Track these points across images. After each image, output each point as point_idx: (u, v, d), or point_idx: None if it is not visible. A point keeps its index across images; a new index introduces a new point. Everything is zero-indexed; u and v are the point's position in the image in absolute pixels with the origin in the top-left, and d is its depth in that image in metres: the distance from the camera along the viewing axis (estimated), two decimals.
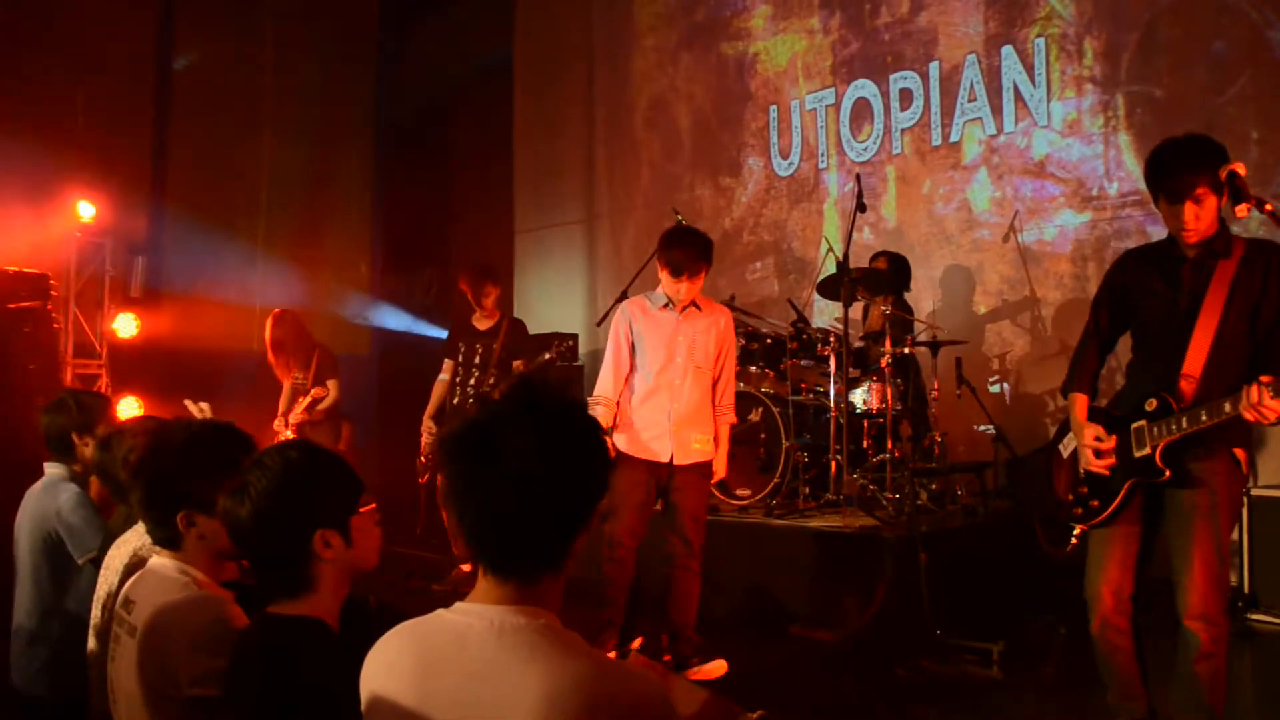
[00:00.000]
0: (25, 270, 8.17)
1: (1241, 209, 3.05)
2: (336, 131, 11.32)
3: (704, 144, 9.48)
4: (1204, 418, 3.12)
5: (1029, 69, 7.18)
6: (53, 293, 8.27)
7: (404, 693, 1.59)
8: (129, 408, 8.02)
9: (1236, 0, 6.30)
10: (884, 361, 6.13)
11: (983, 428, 6.64)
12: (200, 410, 6.15)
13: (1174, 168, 3.24)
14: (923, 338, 6.54)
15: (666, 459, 4.76)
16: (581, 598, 6.35)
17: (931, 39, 7.77)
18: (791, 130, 8.73)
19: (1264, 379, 2.97)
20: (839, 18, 8.40)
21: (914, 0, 7.87)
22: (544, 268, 10.82)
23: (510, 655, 1.53)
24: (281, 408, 7.26)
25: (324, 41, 11.08)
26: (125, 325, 8.81)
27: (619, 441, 4.80)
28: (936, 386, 6.45)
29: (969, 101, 7.52)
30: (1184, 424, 3.18)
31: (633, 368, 4.87)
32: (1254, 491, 5.39)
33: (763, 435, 6.30)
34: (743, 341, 6.57)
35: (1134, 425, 3.34)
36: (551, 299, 10.57)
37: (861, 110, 8.22)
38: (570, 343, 7.14)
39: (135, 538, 2.84)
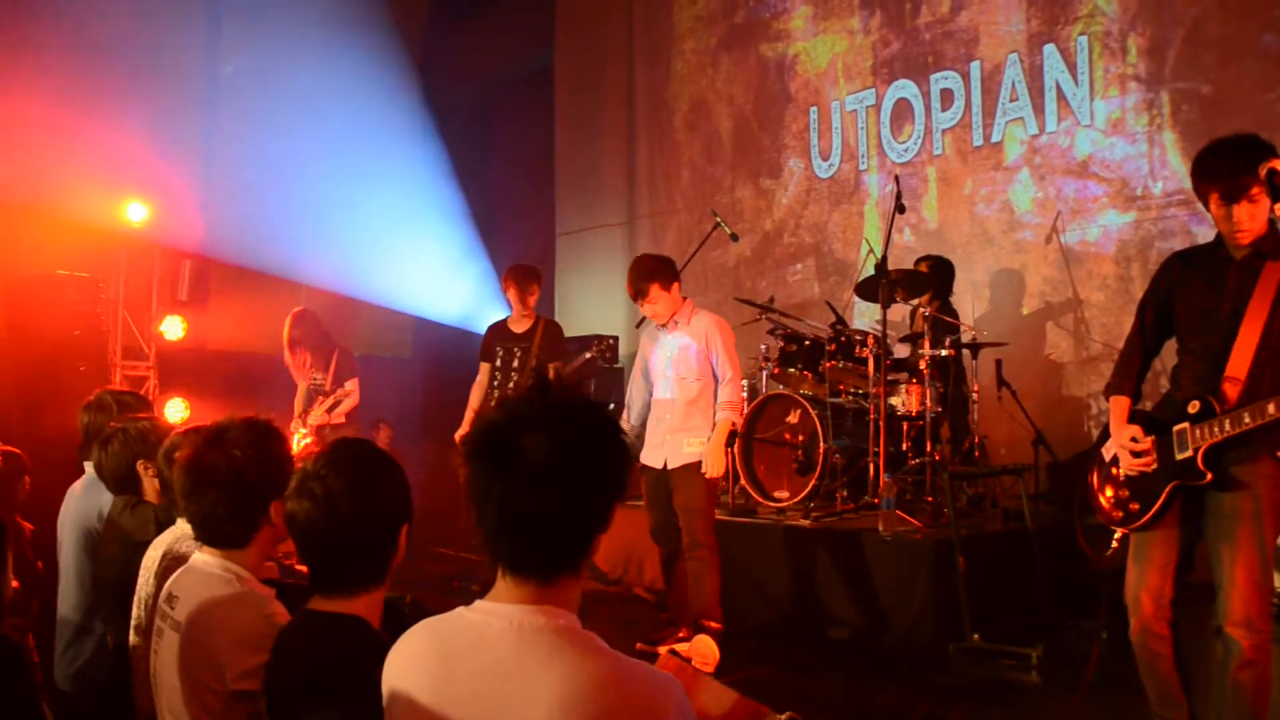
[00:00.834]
0: (76, 274, 8.34)
1: None
2: (379, 134, 11.41)
3: (744, 146, 9.46)
4: (1247, 420, 3.08)
5: (1071, 67, 7.10)
6: (102, 296, 8.44)
7: (423, 690, 1.61)
8: (176, 409, 8.15)
9: None
10: (923, 363, 6.08)
11: (1025, 430, 6.57)
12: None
13: (1227, 168, 3.19)
14: (963, 340, 6.48)
15: (661, 466, 5.27)
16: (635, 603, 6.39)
17: (973, 38, 7.70)
18: (832, 131, 8.70)
19: None
20: (879, 18, 8.35)
21: (955, 0, 7.82)
22: (585, 270, 10.86)
23: (529, 655, 1.55)
24: (298, 409, 7.19)
25: (366, 47, 11.18)
26: (173, 328, 8.95)
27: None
28: (977, 389, 6.40)
29: (1011, 101, 7.45)
30: (1227, 426, 3.14)
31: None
32: None
33: (801, 437, 6.29)
34: (781, 343, 6.56)
35: (1176, 428, 3.29)
36: (592, 301, 10.61)
37: (902, 111, 8.17)
38: (610, 343, 7.15)
39: (169, 537, 2.89)
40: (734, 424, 5.33)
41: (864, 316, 8.04)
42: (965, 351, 6.43)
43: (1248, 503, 3.20)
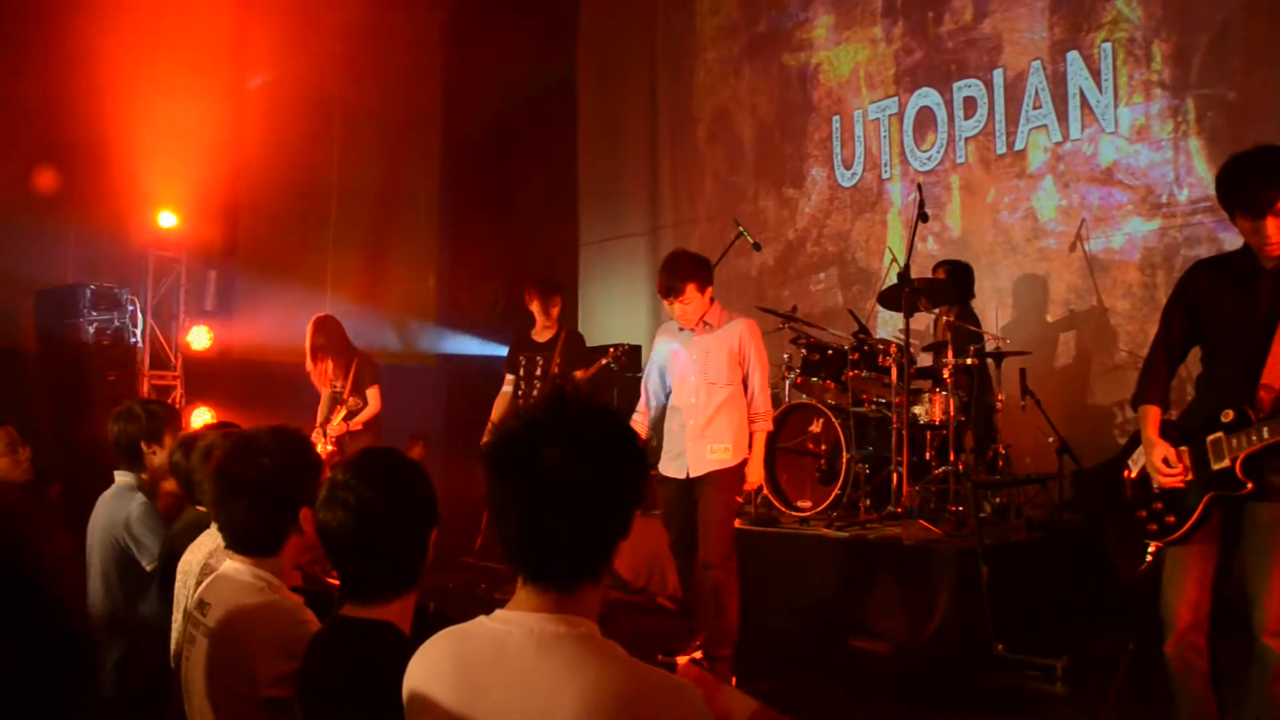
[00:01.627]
0: (104, 284, 8.44)
1: None
2: (404, 146, 11.51)
3: (767, 155, 9.47)
4: None
5: (1095, 74, 7.07)
6: (130, 306, 8.52)
7: (443, 698, 1.62)
8: (202, 419, 8.21)
9: None
10: (946, 372, 6.06)
11: (1051, 439, 6.53)
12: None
13: (1252, 183, 3.14)
14: (987, 348, 6.45)
15: (684, 476, 5.00)
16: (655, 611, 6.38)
17: (995, 46, 7.68)
18: (855, 140, 8.69)
19: None
20: (901, 26, 8.35)
21: (977, 7, 7.80)
22: (608, 279, 10.88)
23: (549, 664, 1.55)
24: (320, 418, 7.17)
25: (391, 59, 11.27)
26: (199, 337, 9.03)
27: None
28: (1001, 398, 6.37)
29: (1034, 109, 7.42)
30: (1265, 434, 3.08)
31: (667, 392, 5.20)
32: None
33: (824, 447, 6.28)
34: (804, 353, 6.55)
35: (1210, 438, 3.24)
36: (615, 310, 10.63)
37: (925, 119, 8.16)
38: (625, 348, 7.16)
39: (210, 541, 2.91)
40: (767, 430, 5.16)
41: (887, 325, 8.02)
42: (989, 360, 6.40)
43: None
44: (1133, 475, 3.53)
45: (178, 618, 2.92)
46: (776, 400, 6.98)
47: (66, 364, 8.24)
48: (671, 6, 10.43)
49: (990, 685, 4.69)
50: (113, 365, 8.30)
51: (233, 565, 2.50)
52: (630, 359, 8.05)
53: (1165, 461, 3.32)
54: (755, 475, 5.03)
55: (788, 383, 6.79)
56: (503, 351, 7.20)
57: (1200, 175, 6.55)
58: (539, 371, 6.74)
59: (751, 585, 6.03)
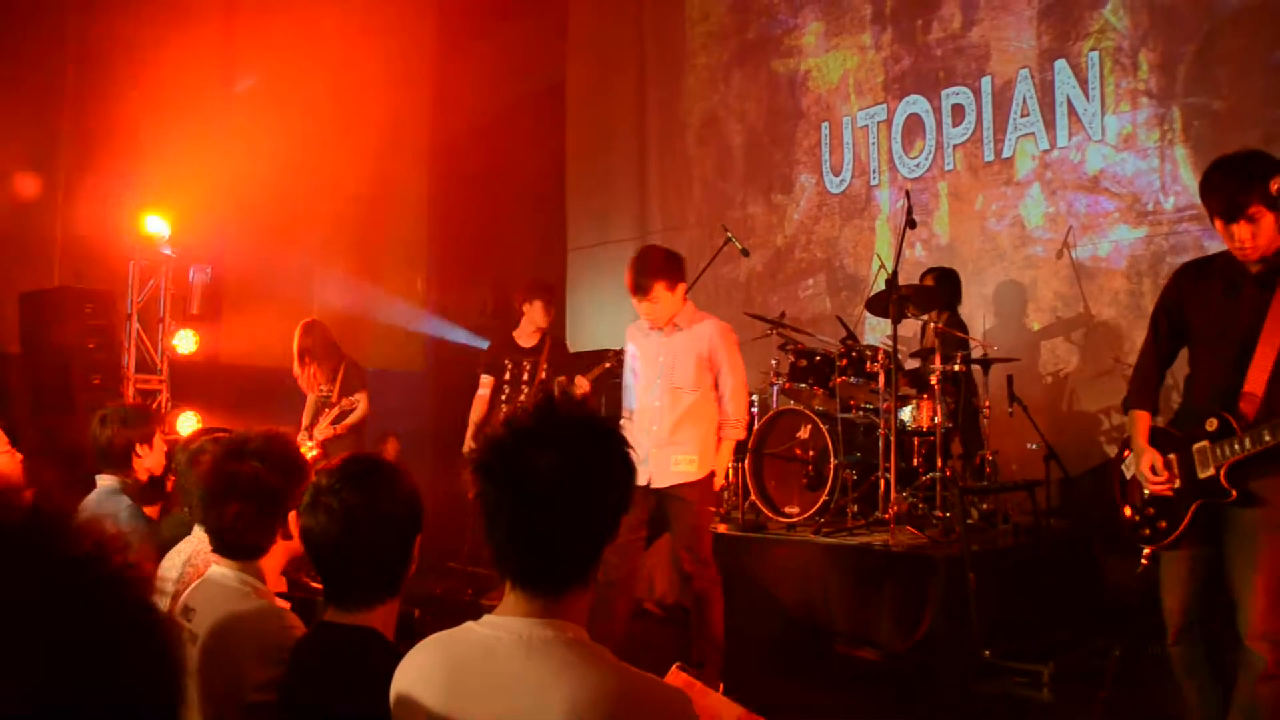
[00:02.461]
0: (90, 288, 8.39)
1: None
2: (392, 150, 11.48)
3: (756, 161, 9.48)
4: (1267, 438, 3.08)
5: (1083, 83, 7.10)
6: (115, 309, 8.48)
7: (432, 704, 1.61)
8: (188, 423, 8.17)
9: None
10: (934, 379, 6.07)
11: (1034, 445, 6.55)
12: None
13: (1225, 187, 3.20)
14: (974, 354, 6.47)
15: (644, 483, 4.61)
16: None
17: (984, 54, 7.71)
18: (843, 147, 8.71)
19: None
20: (890, 34, 8.37)
21: (966, 15, 7.83)
22: (596, 285, 10.87)
23: (538, 668, 1.55)
24: (305, 421, 7.14)
25: (380, 62, 11.25)
26: (185, 341, 8.99)
27: None
28: (988, 404, 6.38)
29: (1022, 116, 7.45)
30: (1247, 444, 3.13)
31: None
32: None
33: (811, 453, 6.28)
34: (792, 358, 6.55)
35: (1196, 446, 3.29)
36: (604, 316, 10.61)
37: (913, 126, 8.18)
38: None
39: (188, 546, 2.90)
40: (739, 439, 4.95)
41: (875, 332, 8.04)
42: (976, 366, 6.42)
43: (1267, 515, 3.18)
44: (1127, 479, 3.58)
45: None
46: (764, 406, 7.00)
47: (50, 368, 8.19)
48: (661, 12, 10.44)
49: (977, 691, 4.69)
50: (97, 369, 8.26)
51: (219, 570, 2.48)
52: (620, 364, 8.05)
53: (1153, 469, 3.37)
54: (720, 474, 4.87)
55: (775, 388, 6.79)
56: None
57: (1186, 183, 6.58)
58: (525, 376, 6.72)
59: (739, 591, 6.03)
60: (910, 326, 7.20)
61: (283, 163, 10.30)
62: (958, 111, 7.86)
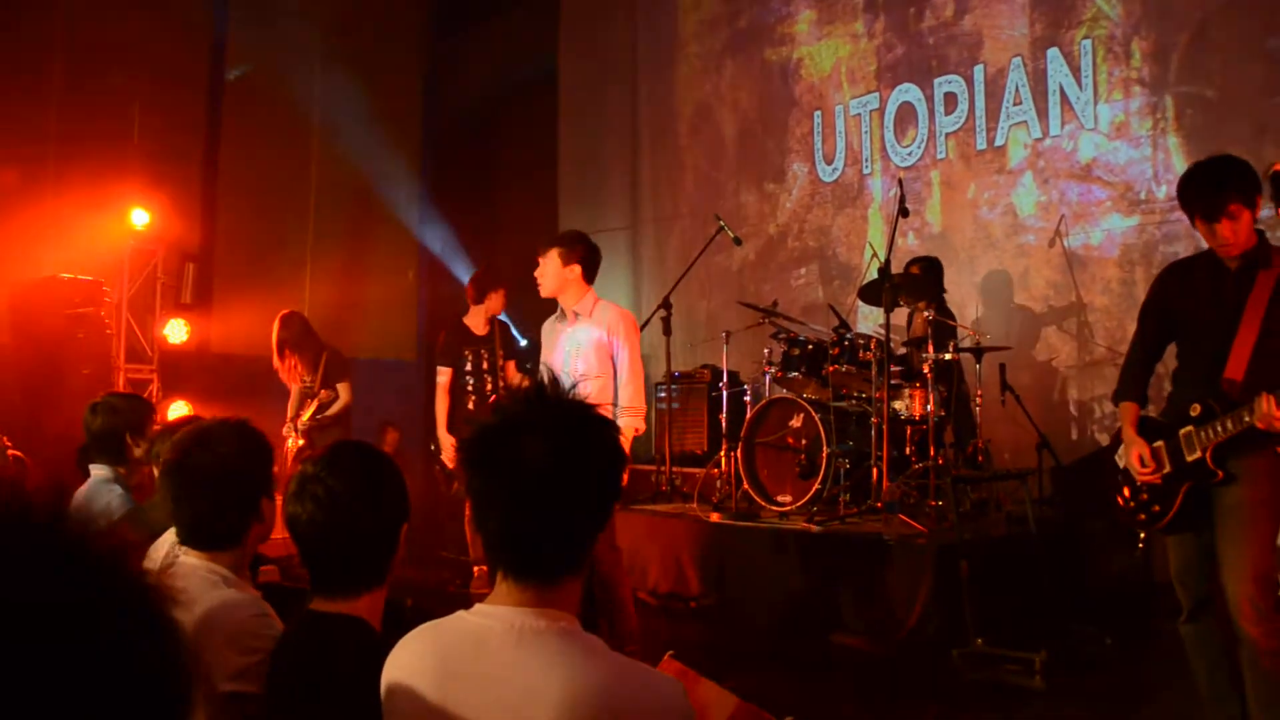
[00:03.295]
0: (80, 277, 8.36)
1: None
2: (384, 141, 11.44)
3: (748, 150, 9.47)
4: (1246, 418, 3.25)
5: (1075, 71, 7.10)
6: (106, 299, 8.45)
7: (423, 694, 1.61)
8: (179, 412, 8.15)
9: None
10: (926, 367, 6.07)
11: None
12: None
13: (1206, 189, 3.38)
14: (967, 343, 6.47)
15: None
16: None
17: (976, 42, 7.70)
18: (836, 135, 8.69)
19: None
20: (883, 22, 8.35)
21: (959, 3, 7.81)
22: None
23: (530, 658, 1.54)
24: (290, 412, 7.14)
25: (372, 53, 11.22)
26: (176, 331, 8.97)
27: None
28: (980, 393, 6.39)
29: (1014, 105, 7.44)
30: (1229, 425, 3.31)
31: None
32: None
33: (804, 441, 6.28)
34: (784, 347, 6.55)
35: (1182, 431, 3.46)
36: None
37: (906, 115, 8.17)
38: None
39: (172, 535, 2.88)
40: (638, 431, 4.83)
41: (868, 320, 8.04)
42: (968, 355, 6.42)
43: (1251, 496, 3.35)
44: (1122, 466, 3.71)
45: None
46: (757, 395, 7.00)
47: (40, 357, 8.16)
48: (653, 1, 10.41)
49: (969, 679, 4.70)
50: (88, 359, 8.23)
51: (188, 560, 2.44)
52: None
53: (1141, 460, 3.53)
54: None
55: (768, 377, 6.79)
56: None
57: (1178, 172, 6.50)
58: (486, 365, 6.72)
59: (731, 580, 6.05)
60: (902, 315, 7.20)
61: (274, 152, 10.29)
62: (950, 100, 7.85)
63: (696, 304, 9.66)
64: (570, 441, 1.60)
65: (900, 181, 6.56)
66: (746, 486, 6.47)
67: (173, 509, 2.46)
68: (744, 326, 7.35)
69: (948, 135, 7.87)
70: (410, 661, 1.66)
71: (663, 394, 8.12)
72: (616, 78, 10.74)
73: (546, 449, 1.57)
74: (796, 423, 6.34)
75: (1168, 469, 3.49)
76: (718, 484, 6.88)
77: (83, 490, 3.85)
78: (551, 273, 4.84)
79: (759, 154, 9.36)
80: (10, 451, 4.22)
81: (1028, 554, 5.41)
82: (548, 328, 5.09)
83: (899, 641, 5.15)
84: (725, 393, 7.21)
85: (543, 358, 5.06)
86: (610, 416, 1.70)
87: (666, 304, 7.04)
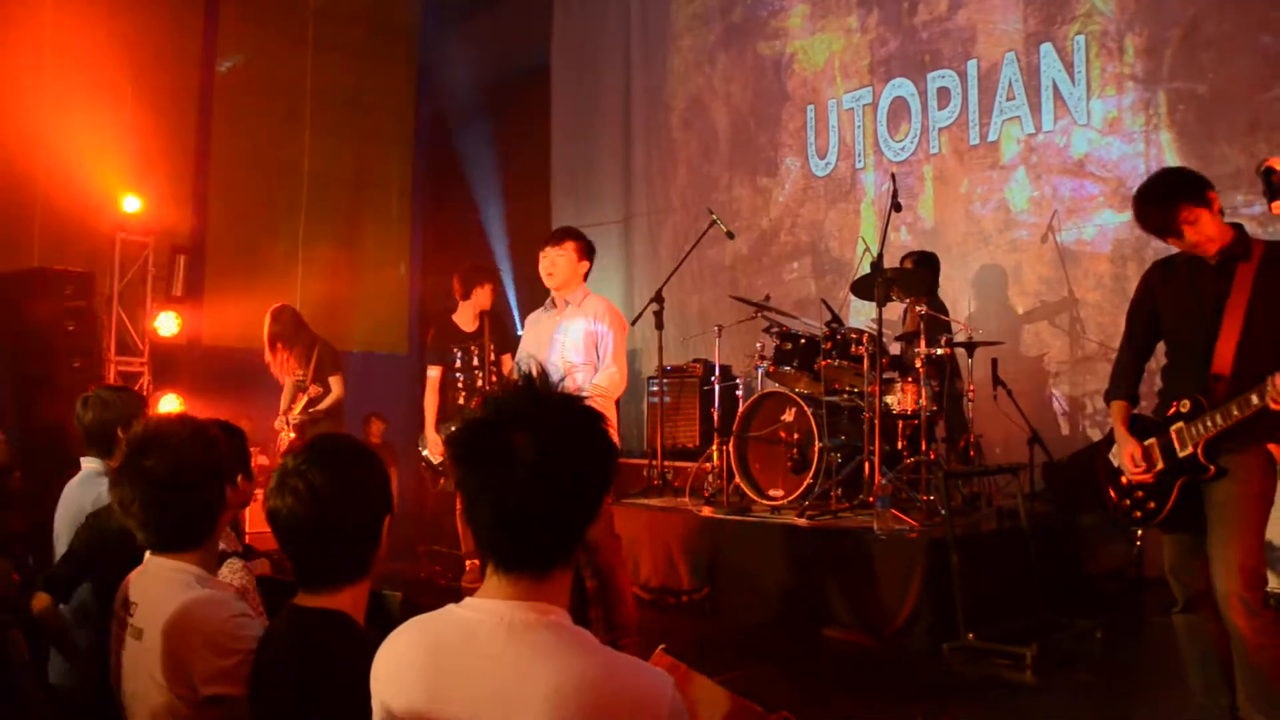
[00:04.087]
0: (70, 269, 8.33)
1: (1278, 205, 3.16)
2: (376, 132, 11.43)
3: (741, 144, 9.46)
4: (1235, 412, 3.28)
5: (1068, 67, 7.10)
6: (96, 291, 8.42)
7: (413, 687, 1.60)
8: (169, 405, 8.14)
9: None
10: (918, 362, 6.08)
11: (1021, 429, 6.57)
12: None
13: (1154, 212, 3.47)
14: (959, 338, 6.48)
15: None
16: None
17: (970, 37, 7.70)
18: (829, 130, 8.69)
19: None
20: (876, 16, 8.35)
21: None
22: None
23: (520, 651, 1.54)
24: (282, 406, 7.13)
25: (364, 43, 11.20)
26: (167, 323, 8.94)
27: None
28: (972, 388, 6.39)
29: (1007, 100, 7.45)
30: (1218, 420, 3.34)
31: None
32: None
33: (796, 436, 6.28)
34: (777, 342, 6.55)
35: (1173, 428, 3.49)
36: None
37: (899, 110, 8.17)
38: None
39: None
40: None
41: (860, 315, 8.04)
42: (960, 350, 6.43)
43: (1237, 489, 3.38)
44: (1115, 464, 3.74)
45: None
46: (749, 389, 7.00)
47: (30, 350, 8.13)
48: None
49: (961, 673, 4.71)
50: (78, 351, 8.21)
51: (155, 560, 2.41)
52: None
53: (1133, 459, 3.57)
54: None
55: (760, 371, 6.79)
56: None
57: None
58: (476, 361, 6.73)
59: (723, 574, 6.05)
60: (895, 310, 7.21)
61: (266, 144, 10.26)
62: (943, 95, 7.85)
63: (689, 298, 9.66)
64: (559, 434, 1.59)
65: (893, 176, 6.56)
66: (738, 481, 6.47)
67: (127, 514, 2.38)
68: (736, 321, 7.35)
69: (941, 130, 7.87)
70: (400, 655, 1.65)
71: (655, 388, 8.12)
72: (609, 71, 10.72)
73: (535, 441, 1.56)
74: (788, 417, 6.34)
75: (1160, 466, 3.52)
76: (710, 478, 6.88)
77: (74, 482, 3.83)
78: (565, 265, 4.93)
79: (752, 148, 9.35)
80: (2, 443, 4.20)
81: (1019, 549, 5.41)
82: (534, 318, 5.12)
83: (890, 636, 5.17)
84: (717, 387, 7.20)
85: (525, 348, 5.07)
86: (599, 408, 1.69)
87: (659, 298, 7.03)
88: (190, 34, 9.87)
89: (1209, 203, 3.39)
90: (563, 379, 1.68)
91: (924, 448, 5.94)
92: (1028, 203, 7.36)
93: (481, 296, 6.87)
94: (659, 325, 7.10)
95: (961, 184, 7.75)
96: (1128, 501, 3.67)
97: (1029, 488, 6.09)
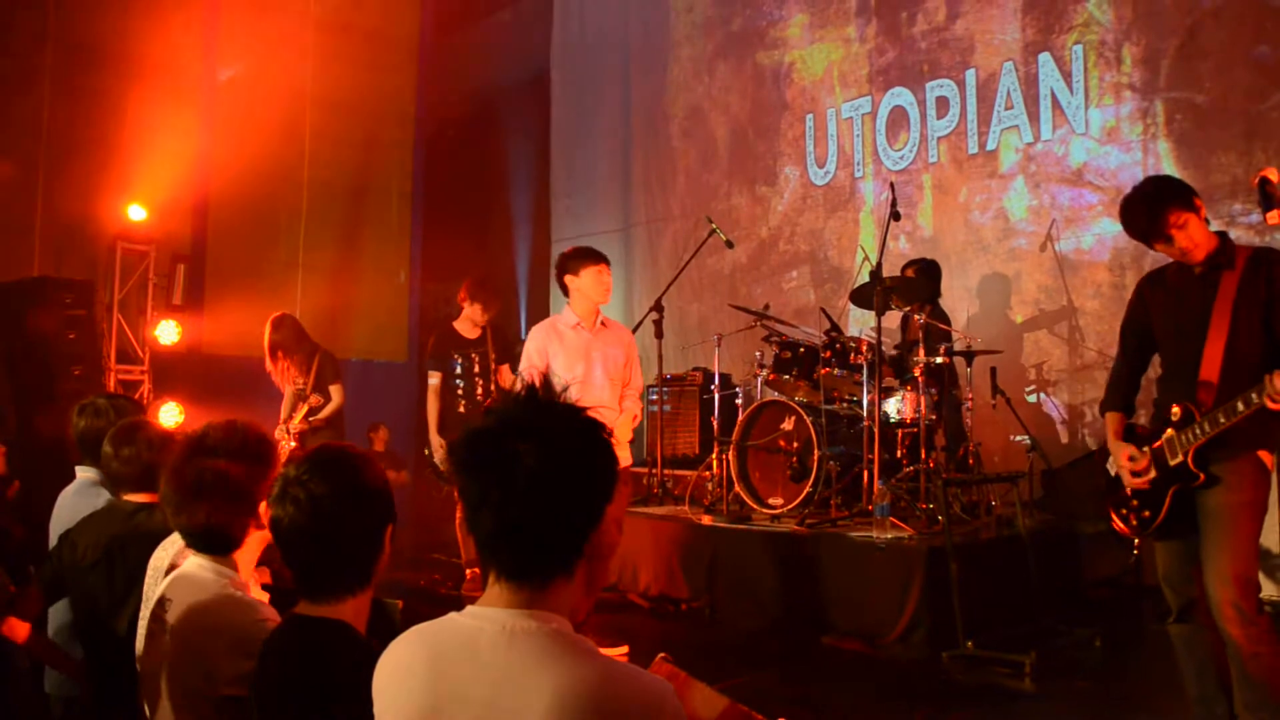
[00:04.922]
0: (70, 278, 8.32)
1: (1273, 215, 3.17)
2: (376, 141, 11.44)
3: (740, 153, 9.48)
4: (1222, 420, 3.29)
5: (1066, 76, 7.12)
6: (96, 300, 8.42)
7: (415, 696, 1.60)
8: (170, 413, 8.14)
9: None
10: (918, 370, 6.09)
11: (1018, 438, 6.58)
12: None
13: (1143, 218, 3.47)
14: (958, 347, 6.49)
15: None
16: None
17: (968, 47, 7.72)
18: (828, 139, 8.71)
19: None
20: (875, 26, 8.38)
21: (951, 8, 7.83)
22: None
23: (521, 659, 1.54)
24: (283, 415, 7.13)
25: (364, 53, 11.20)
26: (167, 332, 8.93)
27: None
28: (971, 396, 6.41)
29: (1006, 109, 7.47)
30: (1205, 428, 3.35)
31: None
32: None
33: (795, 444, 6.29)
34: (776, 350, 6.57)
35: (1165, 436, 3.49)
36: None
37: (898, 119, 8.19)
38: None
39: (179, 538, 2.87)
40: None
41: (859, 324, 8.05)
42: (959, 359, 6.44)
43: (1229, 497, 3.38)
44: (1111, 475, 3.74)
45: (145, 614, 2.87)
46: (749, 398, 7.01)
47: (30, 358, 8.13)
48: (645, 3, 10.42)
49: (960, 682, 4.71)
50: (78, 360, 8.20)
51: (195, 561, 2.46)
52: None
53: (1131, 459, 3.56)
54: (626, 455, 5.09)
55: (759, 380, 6.80)
56: None
57: None
58: (477, 369, 6.74)
59: (723, 582, 6.06)
60: (893, 318, 7.22)
61: (266, 153, 10.26)
62: (942, 104, 7.88)
63: (688, 307, 9.67)
64: (561, 444, 1.60)
65: (892, 185, 6.58)
66: (738, 489, 6.48)
67: (172, 515, 2.46)
68: (736, 329, 7.37)
69: (939, 139, 7.89)
70: (401, 663, 1.66)
71: (654, 396, 8.13)
72: (608, 80, 10.76)
73: (540, 450, 1.57)
74: (788, 425, 6.35)
75: (1153, 474, 3.53)
76: (709, 486, 6.90)
77: (68, 490, 3.83)
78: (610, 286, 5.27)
79: (751, 157, 9.37)
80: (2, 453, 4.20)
81: (1018, 557, 5.42)
82: (558, 332, 5.19)
83: (889, 643, 5.17)
84: (717, 395, 7.22)
85: (557, 364, 5.09)
86: (602, 419, 1.70)
87: (658, 307, 7.05)
88: (191, 43, 9.88)
89: (1196, 209, 3.41)
90: (565, 389, 1.69)
91: (923, 456, 5.95)
92: (1026, 212, 7.38)
93: (472, 311, 6.86)
94: (659, 334, 7.12)
95: (960, 193, 7.77)
96: (1124, 510, 3.67)
97: (1028, 496, 6.10)
